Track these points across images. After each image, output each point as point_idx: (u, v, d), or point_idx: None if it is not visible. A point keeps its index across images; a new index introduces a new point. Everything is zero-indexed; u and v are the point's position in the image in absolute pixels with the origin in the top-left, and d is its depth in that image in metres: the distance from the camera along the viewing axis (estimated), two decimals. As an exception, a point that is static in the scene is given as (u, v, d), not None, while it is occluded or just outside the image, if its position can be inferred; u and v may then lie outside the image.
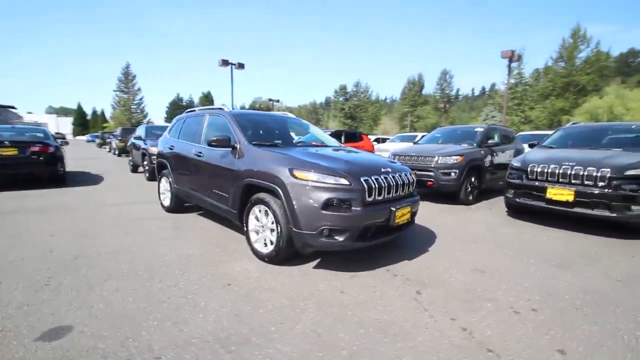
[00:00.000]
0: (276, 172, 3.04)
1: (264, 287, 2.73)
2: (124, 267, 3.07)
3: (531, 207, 4.89)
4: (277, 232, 3.05)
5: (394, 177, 3.21)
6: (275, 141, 3.91)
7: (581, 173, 4.34)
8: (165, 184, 5.29)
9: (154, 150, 8.50)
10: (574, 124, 6.52)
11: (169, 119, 62.61)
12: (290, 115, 5.07)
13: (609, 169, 4.17)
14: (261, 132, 4.12)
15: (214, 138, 3.62)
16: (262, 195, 3.23)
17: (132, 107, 54.39)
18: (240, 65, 21.30)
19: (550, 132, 7.33)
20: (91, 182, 8.36)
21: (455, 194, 6.30)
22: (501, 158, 7.22)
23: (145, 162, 8.97)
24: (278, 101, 35.09)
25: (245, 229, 3.47)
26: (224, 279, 2.87)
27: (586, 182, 4.31)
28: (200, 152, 4.19)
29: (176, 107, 66.08)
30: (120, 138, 17.47)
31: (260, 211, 3.29)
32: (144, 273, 2.96)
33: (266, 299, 2.54)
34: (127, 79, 54.38)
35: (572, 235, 4.39)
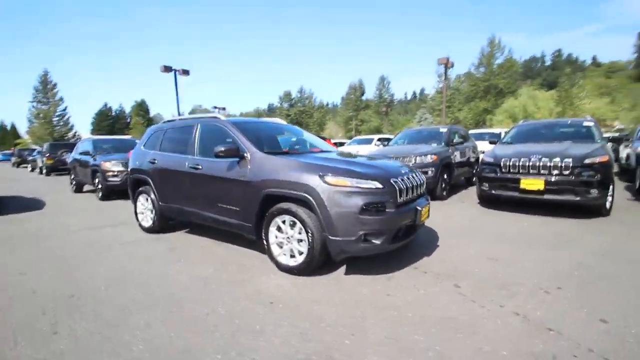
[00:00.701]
0: (305, 180, 2.95)
1: (309, 300, 2.62)
2: (139, 298, 2.70)
3: (506, 197, 5.43)
4: (308, 241, 2.95)
5: (412, 177, 3.32)
6: (286, 148, 3.79)
7: (548, 164, 4.94)
8: (144, 202, 4.77)
9: (108, 166, 7.65)
10: (524, 121, 7.40)
11: (96, 130, 56.42)
12: (281, 121, 4.95)
13: (571, 159, 4.82)
14: (263, 139, 3.95)
15: (222, 148, 3.38)
16: (285, 205, 3.10)
17: (53, 119, 47.88)
18: (185, 72, 20.11)
19: (486, 131, 8.25)
20: (32, 207, 7.17)
21: (432, 190, 6.71)
22: (463, 155, 7.89)
23: (96, 181, 7.97)
24: (224, 109, 33.81)
25: (265, 242, 3.29)
26: (263, 297, 2.69)
27: (553, 172, 4.92)
28: (197, 165, 3.87)
29: (104, 118, 59.90)
30: (48, 155, 15.24)
31: (284, 222, 3.14)
32: (168, 301, 2.64)
33: (319, 312, 2.43)
34: (45, 88, 47.73)
35: (547, 219, 4.95)
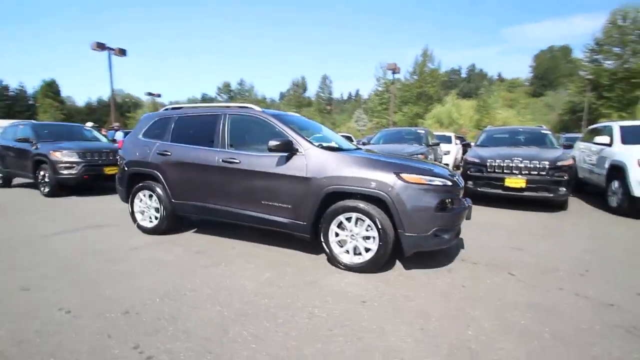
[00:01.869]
0: (380, 177, 2.93)
1: (400, 296, 2.63)
2: (217, 310, 2.40)
3: (490, 194, 6.10)
4: (379, 238, 2.95)
5: (458, 176, 3.54)
6: (334, 144, 3.69)
7: (529, 165, 5.70)
8: (146, 199, 4.17)
9: (59, 156, 6.47)
10: (490, 127, 8.35)
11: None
12: (298, 115, 4.78)
13: (547, 162, 5.63)
14: (305, 134, 3.78)
15: (277, 143, 3.16)
16: (351, 202, 3.05)
17: None
18: (121, 52, 17.72)
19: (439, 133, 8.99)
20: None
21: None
22: (437, 155, 8.58)
23: (42, 173, 6.63)
24: (159, 96, 30.68)
25: (324, 241, 3.18)
26: (350, 297, 2.61)
27: (532, 172, 5.69)
28: (233, 159, 3.53)
29: (-3, 97, 49.23)
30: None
31: (348, 220, 3.09)
32: (251, 310, 2.40)
33: (420, 308, 2.47)
34: None
35: (526, 214, 5.70)
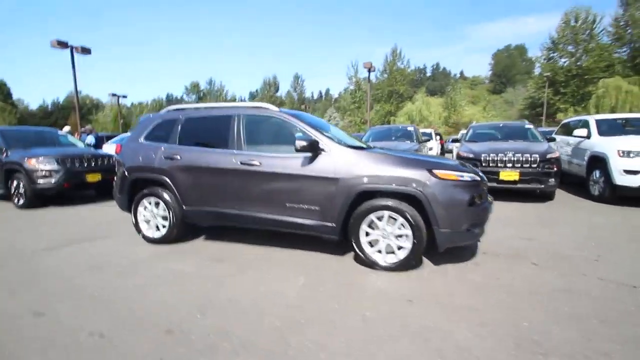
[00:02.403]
0: (414, 175, 2.93)
1: (442, 294, 2.65)
2: (266, 320, 2.28)
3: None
4: (412, 236, 2.95)
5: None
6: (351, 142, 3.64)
7: (521, 159, 5.98)
8: (152, 208, 3.90)
9: (35, 164, 5.93)
10: (475, 123, 8.68)
11: None
12: (307, 113, 4.68)
13: (537, 155, 5.93)
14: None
15: (305, 143, 3.07)
16: (383, 201, 3.02)
17: None
18: (85, 50, 16.49)
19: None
20: None
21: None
22: (425, 151, 8.80)
23: (16, 183, 6.03)
24: (125, 97, 28.95)
25: (355, 242, 3.13)
26: (395, 298, 2.59)
27: (524, 165, 5.98)
28: (252, 161, 3.39)
29: None
30: None
31: (380, 219, 3.06)
32: (303, 318, 2.31)
33: (466, 303, 2.49)
34: None
35: (521, 205, 5.97)
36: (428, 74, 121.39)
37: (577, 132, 6.99)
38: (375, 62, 19.28)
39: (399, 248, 3.05)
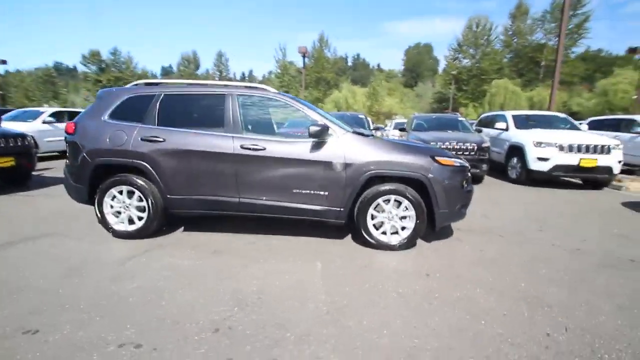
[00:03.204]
0: (420, 161, 3.16)
1: (445, 267, 2.98)
2: (310, 306, 2.27)
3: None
4: (416, 217, 3.22)
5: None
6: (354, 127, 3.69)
7: (462, 147, 6.86)
8: (124, 198, 3.37)
9: None
10: (416, 114, 9.50)
11: None
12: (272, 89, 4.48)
13: (475, 144, 6.87)
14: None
15: (318, 128, 3.04)
16: (390, 185, 3.21)
17: None
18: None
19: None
20: None
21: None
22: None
23: None
24: (5, 62, 22.92)
25: (362, 225, 3.26)
26: (414, 274, 2.82)
27: (465, 153, 6.86)
28: (256, 145, 3.20)
29: None
30: None
31: (387, 202, 3.24)
32: (344, 300, 2.37)
33: (476, 278, 2.85)
34: None
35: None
36: (349, 64, 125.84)
37: (497, 125, 8.27)
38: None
39: (403, 228, 3.29)
